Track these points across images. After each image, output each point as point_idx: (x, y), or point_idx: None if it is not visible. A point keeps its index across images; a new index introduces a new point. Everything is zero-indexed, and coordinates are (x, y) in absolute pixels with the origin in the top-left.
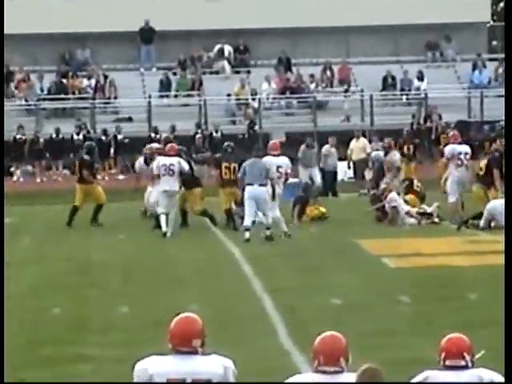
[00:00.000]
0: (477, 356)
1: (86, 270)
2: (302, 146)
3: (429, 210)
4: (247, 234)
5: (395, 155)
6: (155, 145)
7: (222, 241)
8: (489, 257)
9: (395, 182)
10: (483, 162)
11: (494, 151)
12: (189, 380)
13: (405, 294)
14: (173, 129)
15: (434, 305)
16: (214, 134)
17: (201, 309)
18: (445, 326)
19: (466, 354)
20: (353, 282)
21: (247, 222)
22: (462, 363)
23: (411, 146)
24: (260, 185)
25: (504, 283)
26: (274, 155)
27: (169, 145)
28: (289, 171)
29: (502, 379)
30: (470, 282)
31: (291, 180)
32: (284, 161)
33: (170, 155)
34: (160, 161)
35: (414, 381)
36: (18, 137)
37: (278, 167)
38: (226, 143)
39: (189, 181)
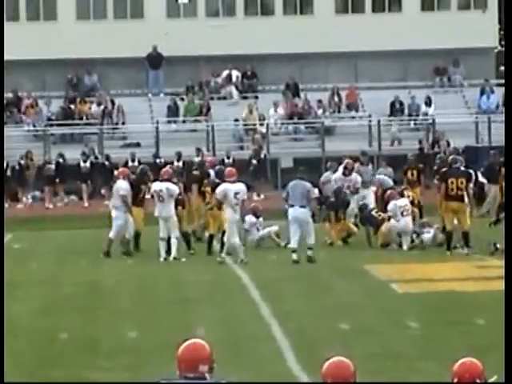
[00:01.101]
0: (490, 381)
1: (95, 293)
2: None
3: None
4: (295, 256)
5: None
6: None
7: (229, 263)
8: (496, 282)
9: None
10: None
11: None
12: None
13: (413, 318)
14: (179, 156)
15: (441, 329)
16: (226, 159)
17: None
18: (453, 350)
19: (478, 380)
20: (361, 306)
21: (294, 243)
22: None
23: (415, 172)
24: (301, 206)
25: (504, 289)
26: (231, 182)
27: (163, 169)
28: (245, 197)
29: None
30: (478, 307)
31: None
32: (241, 187)
33: (162, 180)
34: (153, 186)
35: None
36: (23, 162)
37: (236, 194)
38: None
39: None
